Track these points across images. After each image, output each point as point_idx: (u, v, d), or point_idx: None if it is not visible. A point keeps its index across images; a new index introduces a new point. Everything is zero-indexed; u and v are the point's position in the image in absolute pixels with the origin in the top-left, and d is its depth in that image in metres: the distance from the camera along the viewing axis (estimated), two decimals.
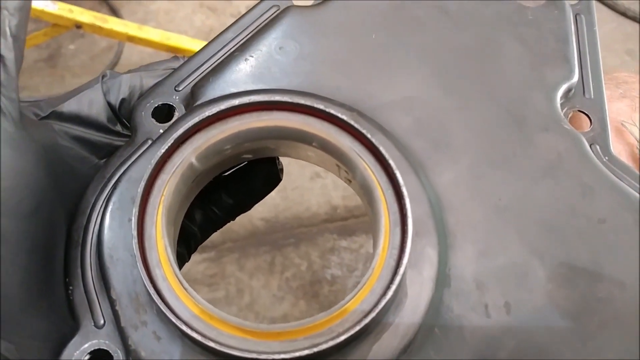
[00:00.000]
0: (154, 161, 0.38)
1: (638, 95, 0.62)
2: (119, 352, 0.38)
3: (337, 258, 1.53)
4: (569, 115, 0.48)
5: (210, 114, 0.40)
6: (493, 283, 0.40)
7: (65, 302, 0.39)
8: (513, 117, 0.46)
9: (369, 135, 0.40)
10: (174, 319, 0.35)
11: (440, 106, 0.47)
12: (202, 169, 0.41)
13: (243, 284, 1.49)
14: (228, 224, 0.54)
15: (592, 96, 0.49)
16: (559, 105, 0.47)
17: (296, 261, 1.52)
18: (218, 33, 0.49)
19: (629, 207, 0.43)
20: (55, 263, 0.40)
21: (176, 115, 0.45)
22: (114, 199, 0.41)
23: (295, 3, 0.50)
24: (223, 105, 0.40)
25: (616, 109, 0.60)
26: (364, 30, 0.49)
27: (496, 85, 0.48)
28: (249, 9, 0.51)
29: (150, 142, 0.44)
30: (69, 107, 0.44)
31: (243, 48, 0.47)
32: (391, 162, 0.39)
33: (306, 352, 0.34)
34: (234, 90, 0.45)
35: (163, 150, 0.38)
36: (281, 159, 0.51)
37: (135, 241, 0.36)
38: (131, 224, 0.39)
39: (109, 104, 0.45)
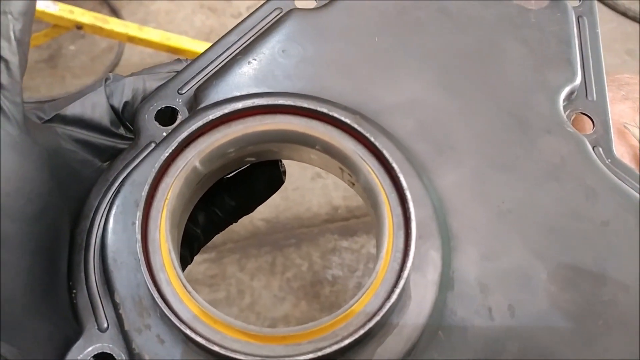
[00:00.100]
0: (157, 165, 0.38)
1: None
2: (122, 355, 0.38)
3: (338, 258, 1.53)
4: (572, 118, 0.48)
5: (214, 117, 0.40)
6: (496, 286, 0.40)
7: (68, 306, 0.40)
8: (516, 119, 0.46)
9: (372, 139, 0.40)
10: (177, 323, 0.35)
11: (443, 109, 0.47)
12: (206, 172, 0.41)
13: (244, 284, 1.49)
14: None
15: (595, 98, 0.49)
16: (561, 107, 0.47)
17: (297, 262, 1.52)
18: (219, 34, 0.49)
19: (632, 209, 0.43)
20: (59, 267, 0.40)
21: (179, 118, 0.45)
22: (117, 202, 0.41)
23: (298, 6, 0.50)
24: (227, 109, 0.40)
25: (618, 110, 0.60)
26: (366, 33, 0.49)
27: (499, 88, 0.48)
28: (249, 9, 0.51)
29: (153, 145, 0.44)
30: (72, 110, 0.44)
31: (246, 51, 0.47)
32: (395, 165, 0.39)
33: (310, 356, 0.34)
34: (237, 93, 0.45)
35: (167, 154, 0.38)
36: (283, 160, 0.51)
37: (139, 245, 0.36)
38: (135, 228, 0.39)
39: (112, 107, 0.45)
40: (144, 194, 0.37)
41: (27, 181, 0.37)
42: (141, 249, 0.36)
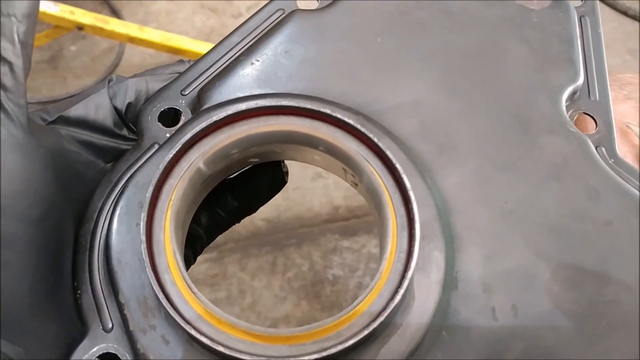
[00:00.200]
0: (162, 166, 0.38)
1: None
2: (127, 355, 0.38)
3: (339, 258, 1.54)
4: (575, 118, 0.48)
5: (217, 118, 0.40)
6: (500, 286, 0.40)
7: (73, 307, 0.40)
8: (518, 120, 0.46)
9: (375, 139, 0.40)
10: (182, 323, 0.35)
11: (446, 109, 0.47)
12: (210, 173, 0.41)
13: (245, 284, 1.49)
14: None
15: (598, 98, 0.49)
16: (564, 107, 0.47)
17: (298, 261, 1.52)
18: (219, 34, 0.49)
19: (635, 209, 0.43)
20: (64, 268, 0.40)
21: (182, 119, 0.45)
22: (121, 203, 0.41)
23: (301, 6, 0.50)
24: (230, 110, 0.40)
25: (621, 110, 0.60)
26: (369, 33, 0.49)
27: (501, 88, 0.48)
28: (249, 9, 0.51)
29: (157, 146, 0.44)
30: (75, 111, 0.44)
31: (249, 52, 0.47)
32: (398, 166, 0.39)
33: (315, 356, 0.34)
34: (240, 94, 0.45)
35: (171, 155, 0.39)
36: (285, 160, 0.51)
37: (144, 246, 0.36)
38: (139, 229, 0.39)
39: (115, 108, 0.45)
40: (149, 195, 0.37)
41: (32, 183, 0.37)
42: (146, 250, 0.36)
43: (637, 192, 0.43)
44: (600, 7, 0.53)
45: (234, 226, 0.54)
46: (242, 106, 0.41)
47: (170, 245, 0.37)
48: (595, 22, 0.52)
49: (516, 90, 0.48)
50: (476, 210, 0.43)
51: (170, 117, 0.46)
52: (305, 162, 0.46)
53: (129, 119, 0.46)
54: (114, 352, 0.38)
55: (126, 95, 0.46)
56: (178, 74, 0.47)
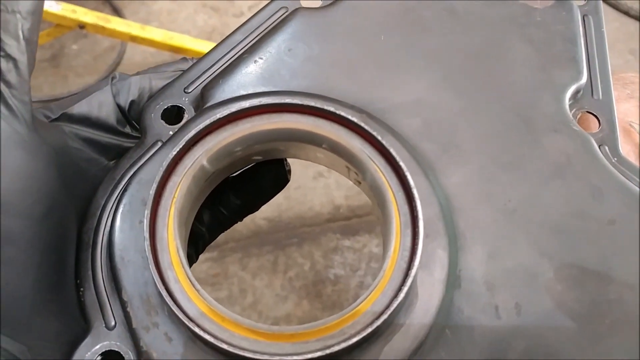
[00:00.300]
0: (165, 163, 0.38)
1: None
2: (130, 353, 0.38)
3: (340, 258, 1.54)
4: (578, 117, 0.48)
5: (221, 116, 0.40)
6: (503, 284, 0.40)
7: (76, 304, 0.40)
8: (522, 118, 0.46)
9: (379, 137, 0.40)
10: (185, 320, 0.35)
11: (449, 108, 0.47)
12: (213, 170, 0.41)
13: (246, 283, 1.49)
14: None
15: (601, 97, 0.49)
16: (567, 106, 0.47)
17: (299, 261, 1.52)
18: (221, 33, 0.50)
19: (638, 208, 0.43)
20: (67, 265, 0.40)
21: (186, 117, 0.45)
22: (124, 200, 0.41)
23: (304, 5, 0.50)
24: (234, 108, 0.40)
25: (623, 109, 0.60)
26: (372, 32, 0.49)
27: (504, 87, 0.48)
28: (251, 8, 0.51)
29: (160, 143, 0.44)
30: (79, 109, 0.44)
31: (252, 50, 0.47)
32: (402, 164, 0.39)
33: (318, 353, 0.34)
34: (243, 92, 0.45)
35: (174, 153, 0.38)
36: (288, 159, 0.51)
37: (147, 243, 0.36)
38: (142, 226, 0.39)
39: (118, 105, 0.45)
40: (152, 192, 0.37)
41: (36, 179, 0.37)
42: (149, 247, 0.36)
43: None
44: (603, 7, 0.53)
45: (235, 225, 0.54)
46: (246, 104, 0.41)
47: (173, 243, 0.37)
48: (598, 22, 0.52)
49: (519, 89, 0.48)
50: (479, 209, 0.43)
51: (173, 115, 0.46)
52: (309, 160, 0.46)
53: (132, 116, 0.46)
54: (116, 349, 0.38)
55: (129, 92, 0.46)
56: (181, 72, 0.47)
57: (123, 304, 0.39)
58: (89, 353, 0.37)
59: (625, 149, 0.51)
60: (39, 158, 0.38)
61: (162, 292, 0.35)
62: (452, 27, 0.50)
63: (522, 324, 0.39)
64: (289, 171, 0.52)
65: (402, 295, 0.36)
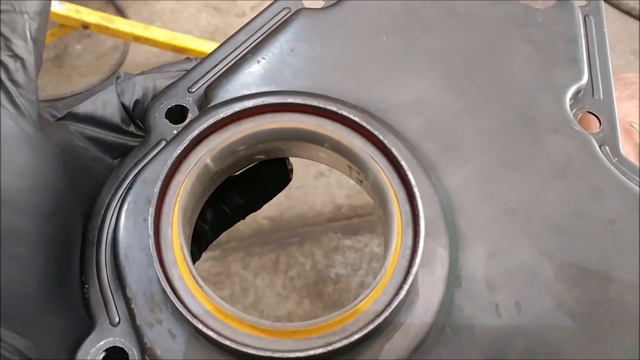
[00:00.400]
0: (170, 162, 0.39)
1: None
2: (134, 350, 0.38)
3: (342, 257, 1.54)
4: (579, 117, 0.48)
5: (225, 115, 0.40)
6: (503, 283, 0.41)
7: (81, 301, 0.40)
8: (522, 118, 0.47)
9: (381, 137, 0.40)
10: (189, 317, 0.35)
11: (450, 108, 0.47)
12: (217, 169, 0.42)
13: (247, 282, 1.49)
14: None
15: (602, 97, 0.49)
16: (568, 106, 0.48)
17: (300, 260, 1.53)
18: (224, 33, 0.50)
19: (639, 208, 0.43)
20: (72, 262, 0.40)
21: (189, 116, 0.46)
22: (129, 199, 0.42)
23: (306, 5, 0.51)
24: (237, 107, 0.41)
25: (624, 109, 0.60)
26: (374, 32, 0.50)
27: (505, 87, 0.48)
28: (253, 9, 0.51)
29: (164, 142, 0.44)
30: (84, 108, 0.44)
31: (255, 50, 0.48)
32: (403, 163, 0.39)
33: (320, 350, 0.35)
34: (246, 92, 0.46)
35: (179, 151, 0.39)
36: (290, 158, 0.51)
37: (151, 241, 0.37)
38: (147, 224, 0.39)
39: (123, 105, 0.46)
40: (157, 190, 0.38)
41: (42, 178, 0.37)
42: (154, 244, 0.37)
43: None
44: (604, 8, 0.53)
45: (237, 224, 0.55)
46: (249, 103, 0.41)
47: (177, 241, 0.38)
48: (599, 22, 0.53)
49: (520, 89, 0.48)
50: (480, 208, 0.43)
51: (177, 114, 0.46)
52: (311, 159, 0.46)
53: (136, 115, 0.46)
54: (120, 346, 0.38)
55: (134, 92, 0.46)
56: (185, 72, 0.48)
57: (127, 301, 0.39)
58: (93, 349, 0.38)
59: (626, 149, 0.51)
60: (46, 156, 0.38)
61: (166, 289, 0.36)
62: (454, 27, 0.50)
63: (522, 323, 0.40)
64: (291, 170, 0.53)
65: (403, 293, 0.36)
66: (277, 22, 0.50)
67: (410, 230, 0.39)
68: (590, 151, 0.45)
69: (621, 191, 0.44)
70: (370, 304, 0.37)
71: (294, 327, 0.36)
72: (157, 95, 0.46)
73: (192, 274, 0.37)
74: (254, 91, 0.46)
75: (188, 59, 0.50)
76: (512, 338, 0.39)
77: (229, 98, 0.45)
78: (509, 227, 0.43)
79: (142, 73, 0.48)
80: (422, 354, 0.38)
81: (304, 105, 0.42)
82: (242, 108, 0.41)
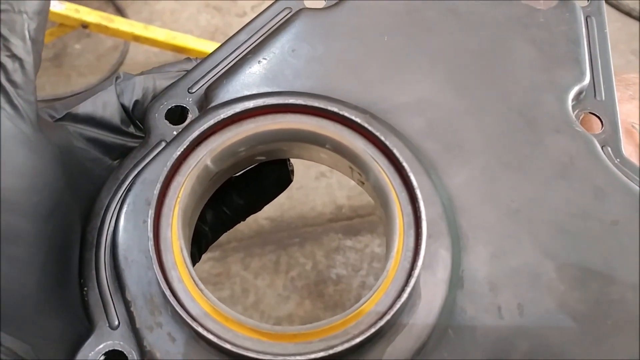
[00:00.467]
0: (169, 163, 0.38)
1: None
2: (133, 353, 0.38)
3: (342, 257, 1.54)
4: (580, 117, 0.48)
5: (225, 116, 0.40)
6: (506, 285, 0.40)
7: (80, 303, 0.40)
8: (524, 119, 0.46)
9: (382, 138, 0.40)
10: (189, 320, 0.35)
11: (452, 108, 0.47)
12: (217, 170, 0.41)
13: (248, 283, 1.49)
14: None
15: (603, 98, 0.49)
16: (570, 107, 0.47)
17: (301, 260, 1.53)
18: (224, 33, 0.50)
19: None
20: (71, 264, 0.40)
21: (189, 117, 0.45)
22: (128, 200, 0.42)
23: (307, 5, 0.51)
24: (238, 108, 0.41)
25: (626, 110, 0.60)
26: (375, 32, 0.49)
27: (507, 88, 0.48)
28: (254, 8, 0.51)
29: (164, 143, 0.44)
30: (83, 108, 0.44)
31: (256, 50, 0.47)
32: (405, 164, 0.39)
33: (321, 354, 0.35)
34: (247, 92, 0.46)
35: (179, 153, 0.39)
36: (291, 159, 0.51)
37: (151, 243, 0.36)
38: (146, 226, 0.39)
39: (122, 105, 0.45)
40: (156, 192, 0.37)
41: (41, 178, 0.37)
42: (153, 247, 0.37)
43: None
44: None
45: (237, 225, 0.54)
46: (250, 104, 0.41)
47: (177, 243, 0.37)
48: (601, 22, 0.52)
49: (522, 90, 0.48)
50: (482, 209, 0.43)
51: (177, 115, 0.46)
52: (312, 160, 0.46)
53: (136, 116, 0.46)
54: (120, 349, 0.38)
55: (133, 92, 0.46)
56: (185, 72, 0.48)
57: (127, 304, 0.39)
58: (92, 352, 0.38)
59: (628, 150, 0.51)
60: (44, 157, 0.38)
61: (165, 291, 0.36)
62: (455, 27, 0.50)
63: (525, 325, 0.39)
64: (292, 171, 0.53)
65: (405, 295, 0.36)
66: (278, 22, 0.50)
67: (412, 232, 0.38)
68: (593, 152, 0.45)
69: (623, 192, 0.44)
70: (372, 306, 0.37)
71: (295, 331, 0.35)
72: (157, 96, 0.46)
73: (192, 277, 0.37)
74: (254, 92, 0.46)
75: (188, 59, 0.50)
76: (514, 339, 0.39)
77: (229, 99, 0.45)
78: (511, 228, 0.42)
79: (142, 73, 0.48)
80: (425, 356, 0.38)
81: (305, 106, 0.41)
82: (243, 109, 0.41)
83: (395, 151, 0.39)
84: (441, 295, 0.39)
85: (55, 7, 1.52)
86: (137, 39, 1.62)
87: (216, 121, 0.40)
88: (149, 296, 0.39)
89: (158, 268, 0.36)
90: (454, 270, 0.40)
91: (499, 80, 0.48)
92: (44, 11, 0.37)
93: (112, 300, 0.39)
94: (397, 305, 0.35)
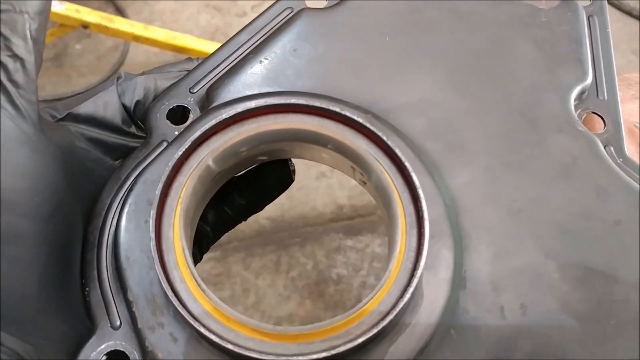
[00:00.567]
0: (171, 163, 0.38)
1: None
2: (135, 353, 0.38)
3: (343, 257, 1.54)
4: (583, 117, 0.48)
5: (227, 116, 0.40)
6: (508, 285, 0.40)
7: (81, 303, 0.40)
8: (527, 119, 0.46)
9: (384, 138, 0.40)
10: (191, 320, 0.35)
11: (454, 108, 0.47)
12: (219, 170, 0.41)
13: (249, 283, 1.49)
14: None
15: (606, 98, 0.49)
16: (572, 107, 0.47)
17: (302, 260, 1.52)
18: (224, 33, 0.49)
19: None
20: (72, 264, 0.40)
21: (191, 117, 0.45)
22: (130, 200, 0.41)
23: (309, 5, 0.50)
24: (239, 108, 0.41)
25: (628, 110, 0.60)
26: (377, 32, 0.49)
27: (510, 87, 0.48)
28: (254, 8, 0.51)
29: (165, 144, 0.44)
30: (84, 108, 0.44)
31: (257, 50, 0.47)
32: (407, 164, 0.39)
33: (324, 354, 0.34)
34: (248, 92, 0.45)
35: (181, 152, 0.39)
36: (292, 159, 0.51)
37: (153, 243, 0.36)
38: (148, 226, 0.39)
39: (123, 105, 0.45)
40: (158, 192, 0.37)
41: (42, 178, 0.37)
42: (155, 247, 0.36)
43: None
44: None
45: (238, 225, 0.54)
46: (252, 104, 0.41)
47: (179, 243, 0.37)
48: (603, 22, 0.52)
49: (524, 90, 0.48)
50: (485, 209, 0.43)
51: (178, 115, 0.46)
52: (314, 160, 0.46)
53: (137, 116, 0.46)
54: (122, 349, 0.38)
55: (135, 92, 0.46)
56: (186, 72, 0.47)
57: (128, 304, 0.39)
58: (94, 353, 0.38)
59: (630, 150, 0.51)
60: (46, 157, 0.38)
61: (167, 292, 0.35)
62: (457, 27, 0.50)
63: (527, 325, 0.39)
64: (294, 171, 0.53)
65: (408, 295, 0.36)
66: (279, 22, 0.50)
67: (414, 232, 0.38)
68: (595, 152, 0.45)
69: (626, 192, 0.44)
70: (374, 306, 0.36)
71: (297, 331, 0.35)
72: (159, 96, 0.46)
73: (193, 277, 0.36)
74: (256, 92, 0.46)
75: (190, 59, 0.49)
76: (517, 339, 0.39)
77: (231, 99, 0.45)
78: (513, 228, 0.42)
79: (143, 73, 0.48)
80: (427, 356, 0.38)
81: (307, 106, 0.41)
82: (245, 109, 0.41)
83: (397, 151, 0.39)
84: (443, 296, 0.39)
85: (56, 7, 1.52)
86: (138, 39, 1.62)
87: (218, 121, 0.40)
88: (150, 296, 0.39)
89: (160, 268, 0.36)
90: (456, 270, 0.40)
91: (500, 80, 0.48)
92: (45, 11, 0.37)
93: (113, 300, 0.39)
94: (400, 305, 0.35)
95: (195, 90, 0.46)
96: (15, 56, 0.36)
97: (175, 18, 1.93)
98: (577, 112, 0.48)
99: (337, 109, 0.41)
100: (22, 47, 0.36)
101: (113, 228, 0.41)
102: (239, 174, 0.48)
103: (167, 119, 0.45)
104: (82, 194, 0.42)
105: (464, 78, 0.48)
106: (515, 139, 0.46)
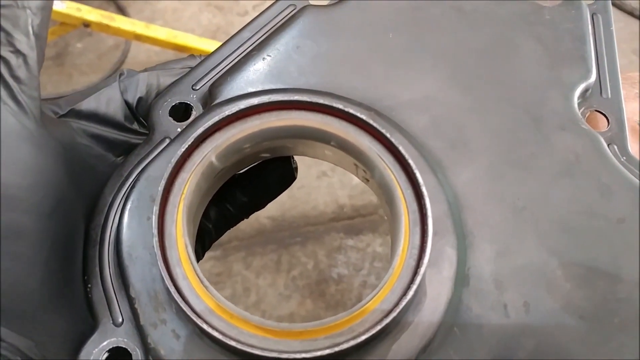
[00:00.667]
0: (174, 160, 0.38)
1: None
2: (137, 350, 0.38)
3: (344, 257, 1.53)
4: (587, 115, 0.48)
5: (230, 113, 0.40)
6: (512, 283, 0.40)
7: (83, 300, 0.40)
8: (530, 117, 0.46)
9: (388, 135, 0.40)
10: (193, 317, 0.35)
11: (458, 106, 0.46)
12: (222, 167, 0.41)
13: (249, 282, 1.49)
14: None
15: (610, 96, 0.49)
16: (576, 105, 0.47)
17: (303, 260, 1.52)
18: (225, 32, 0.49)
19: None
20: (74, 261, 0.40)
21: (194, 114, 0.45)
22: (132, 197, 0.41)
23: (312, 2, 0.50)
24: (243, 105, 0.40)
25: (632, 108, 0.59)
26: (380, 29, 0.49)
27: (513, 85, 0.48)
28: (255, 7, 0.51)
29: (168, 140, 0.44)
30: (87, 105, 0.44)
31: (260, 47, 0.47)
32: (411, 161, 0.39)
33: (327, 351, 0.34)
34: (251, 89, 0.45)
35: (183, 149, 0.38)
36: (295, 156, 0.51)
37: (156, 239, 0.36)
38: (150, 223, 0.39)
39: (126, 102, 0.45)
40: (161, 188, 0.37)
41: (44, 175, 0.37)
42: (158, 243, 0.36)
43: None
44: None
45: (239, 224, 0.54)
46: (255, 100, 0.41)
47: (182, 239, 0.37)
48: (607, 20, 0.52)
49: (528, 87, 0.48)
50: (488, 207, 0.43)
51: (181, 112, 0.45)
52: (317, 157, 0.45)
53: (139, 113, 0.46)
54: (124, 346, 0.38)
55: (137, 89, 0.45)
56: (189, 69, 0.47)
57: (131, 301, 0.39)
58: (96, 350, 0.37)
59: (633, 148, 0.51)
60: (48, 154, 0.38)
61: (170, 288, 0.35)
62: (461, 25, 0.50)
63: (531, 323, 0.39)
64: (296, 168, 0.52)
65: (411, 293, 0.36)
66: (282, 19, 0.49)
67: (417, 230, 0.38)
68: (599, 150, 0.45)
69: (630, 190, 0.44)
70: (377, 304, 0.36)
71: (300, 328, 0.35)
72: (161, 93, 0.46)
73: (196, 273, 0.36)
74: (259, 88, 0.45)
75: (192, 56, 0.49)
76: (520, 338, 0.39)
77: (234, 95, 0.45)
78: (517, 226, 0.42)
79: (145, 70, 0.48)
80: (430, 354, 0.38)
81: (310, 102, 0.41)
82: (248, 105, 0.40)
83: (400, 148, 0.39)
84: (447, 293, 0.39)
85: (57, 5, 1.52)
86: (139, 37, 1.62)
87: (221, 118, 0.40)
88: (153, 293, 0.38)
89: (162, 265, 0.36)
90: (459, 268, 0.40)
91: (504, 77, 0.48)
92: (47, 7, 0.37)
93: (116, 297, 0.39)
94: (403, 303, 0.35)
95: (198, 87, 0.46)
96: (17, 52, 0.36)
97: (176, 17, 1.92)
98: (581, 110, 0.47)
99: (340, 106, 0.41)
100: (24, 42, 0.36)
101: (115, 225, 0.41)
102: (241, 171, 0.48)
103: (170, 115, 0.45)
104: (84, 190, 0.42)
105: (467, 75, 0.48)
106: (519, 137, 0.45)
